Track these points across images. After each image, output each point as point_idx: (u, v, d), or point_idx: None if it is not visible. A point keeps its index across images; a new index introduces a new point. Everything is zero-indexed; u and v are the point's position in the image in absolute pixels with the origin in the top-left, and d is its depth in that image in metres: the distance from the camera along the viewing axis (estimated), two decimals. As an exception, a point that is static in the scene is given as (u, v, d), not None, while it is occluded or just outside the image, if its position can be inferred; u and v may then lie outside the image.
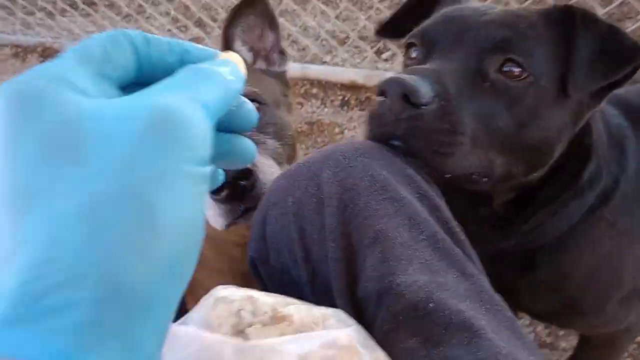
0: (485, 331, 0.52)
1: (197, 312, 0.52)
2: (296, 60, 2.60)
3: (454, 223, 0.65)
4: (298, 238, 0.65)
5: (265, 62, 1.05)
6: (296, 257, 0.66)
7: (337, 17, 2.61)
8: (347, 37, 2.62)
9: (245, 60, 1.00)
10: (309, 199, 0.65)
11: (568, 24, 0.75)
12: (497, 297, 0.58)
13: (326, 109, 2.36)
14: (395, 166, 0.66)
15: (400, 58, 2.41)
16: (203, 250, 0.30)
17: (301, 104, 2.41)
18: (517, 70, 0.72)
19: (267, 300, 0.52)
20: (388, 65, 2.47)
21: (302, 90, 2.48)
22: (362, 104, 2.34)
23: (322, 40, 2.63)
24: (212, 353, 0.44)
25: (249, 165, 0.77)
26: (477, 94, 0.71)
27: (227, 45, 1.03)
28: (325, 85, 2.46)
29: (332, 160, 0.65)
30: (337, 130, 2.24)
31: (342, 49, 2.53)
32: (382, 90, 0.67)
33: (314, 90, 2.46)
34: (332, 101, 2.39)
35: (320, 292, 0.63)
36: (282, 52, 1.06)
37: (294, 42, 2.70)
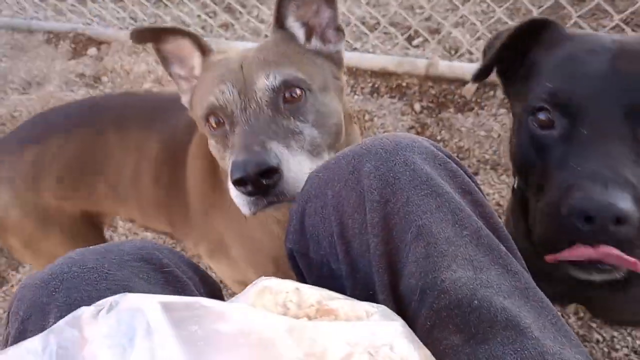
0: (531, 329, 0.52)
1: (242, 299, 0.53)
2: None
3: (497, 219, 0.64)
4: (339, 231, 0.65)
5: (321, 39, 1.01)
6: (336, 250, 0.66)
7: (367, 3, 2.58)
8: (378, 23, 2.59)
9: (297, 38, 0.98)
10: (349, 192, 0.65)
11: None
12: (542, 294, 0.57)
13: (356, 96, 2.34)
14: (437, 160, 0.65)
15: (431, 45, 2.38)
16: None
17: (331, 91, 2.40)
18: None
19: (312, 292, 0.53)
20: (419, 52, 2.44)
21: (332, 77, 2.47)
22: (393, 91, 2.32)
23: (352, 27, 2.61)
24: (267, 327, 0.44)
25: (271, 165, 0.78)
26: None
27: (280, 21, 0.99)
28: (356, 72, 2.44)
29: (373, 154, 0.65)
30: (367, 117, 2.23)
31: (373, 35, 2.50)
32: (589, 216, 0.63)
33: (344, 78, 2.44)
34: (362, 88, 2.38)
35: (360, 287, 0.64)
36: (339, 29, 1.01)
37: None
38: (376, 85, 2.36)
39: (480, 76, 0.90)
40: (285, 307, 0.51)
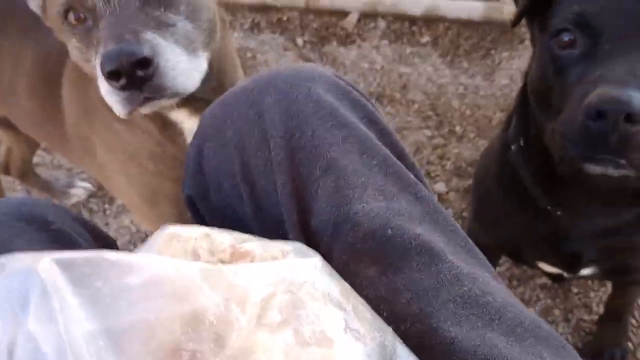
0: (444, 252, 0.53)
1: (146, 249, 0.48)
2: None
3: (402, 146, 0.64)
4: (241, 172, 0.62)
5: None
6: (240, 192, 0.62)
7: None
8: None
9: None
10: (251, 129, 0.61)
11: None
12: (451, 218, 0.58)
13: (236, 33, 2.24)
14: (340, 90, 0.63)
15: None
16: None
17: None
18: None
19: (224, 237, 0.49)
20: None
21: (209, 13, 2.34)
22: (273, 26, 2.25)
23: (225, -42, 2.47)
24: (181, 276, 0.40)
25: (147, 54, 0.72)
26: None
27: None
28: (233, 7, 2.32)
29: (273, 87, 0.61)
30: (249, 55, 2.15)
31: (248, -33, 2.39)
32: (601, 111, 0.64)
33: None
34: (241, 24, 2.28)
35: (268, 228, 0.61)
36: None
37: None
38: (256, 21, 2.28)
39: (518, 21, 0.89)
40: (196, 255, 0.47)
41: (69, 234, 0.62)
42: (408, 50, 2.10)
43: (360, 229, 0.54)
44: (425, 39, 2.12)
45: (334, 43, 2.16)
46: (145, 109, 0.81)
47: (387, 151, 0.60)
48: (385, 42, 2.13)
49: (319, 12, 2.24)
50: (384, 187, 0.57)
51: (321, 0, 2.21)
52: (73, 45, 0.87)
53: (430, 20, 2.14)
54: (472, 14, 2.07)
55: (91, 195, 1.87)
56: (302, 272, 0.47)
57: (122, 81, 0.73)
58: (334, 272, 0.50)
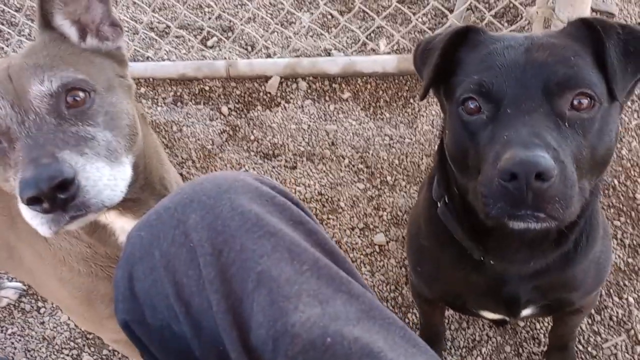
0: (384, 352, 0.54)
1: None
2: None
3: (331, 243, 0.65)
4: (174, 292, 0.61)
5: (97, 37, 0.93)
6: (176, 312, 0.61)
7: (152, 10, 2.46)
8: (168, 27, 2.49)
9: (69, 38, 0.89)
10: (178, 249, 0.61)
11: (592, 36, 0.82)
12: (387, 310, 0.60)
13: (159, 108, 2.24)
14: (264, 196, 0.64)
15: (227, 44, 2.36)
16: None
17: (131, 106, 2.26)
18: (586, 101, 0.77)
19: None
20: (216, 53, 2.40)
21: (130, 91, 2.33)
22: (197, 97, 2.26)
23: (140, 34, 2.47)
24: None
25: (66, 175, 0.71)
26: (565, 138, 0.76)
27: (46, 21, 0.90)
28: (154, 83, 2.32)
29: (197, 203, 0.61)
30: (175, 128, 2.15)
31: (164, 41, 2.40)
32: (513, 173, 0.71)
33: (142, 90, 2.31)
34: (163, 99, 2.27)
35: (208, 346, 0.60)
36: (114, 24, 0.94)
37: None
38: (178, 94, 2.28)
39: (426, 94, 0.96)
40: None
41: None
42: (331, 107, 2.15)
43: (299, 340, 0.54)
44: (346, 94, 2.19)
45: (259, 107, 2.19)
46: (72, 226, 0.79)
47: (317, 252, 0.61)
48: (309, 101, 2.17)
49: (241, 79, 2.27)
50: (317, 291, 0.58)
51: (241, 67, 2.25)
52: None
53: (348, 77, 2.22)
54: (387, 67, 2.16)
55: (22, 294, 1.79)
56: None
57: (45, 205, 0.71)
58: None
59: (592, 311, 1.53)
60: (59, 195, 0.71)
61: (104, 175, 0.77)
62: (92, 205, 0.75)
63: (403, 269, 1.72)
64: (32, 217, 0.75)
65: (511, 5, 2.20)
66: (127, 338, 1.27)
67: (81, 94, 0.81)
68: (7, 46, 2.47)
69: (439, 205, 1.05)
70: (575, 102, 0.78)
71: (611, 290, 1.58)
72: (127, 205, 0.90)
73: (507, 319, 1.14)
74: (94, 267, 1.01)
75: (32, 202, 0.71)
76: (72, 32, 0.92)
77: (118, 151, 0.83)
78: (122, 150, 0.84)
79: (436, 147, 1.05)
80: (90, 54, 0.91)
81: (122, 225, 0.95)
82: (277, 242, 0.60)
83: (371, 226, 1.82)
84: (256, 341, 0.57)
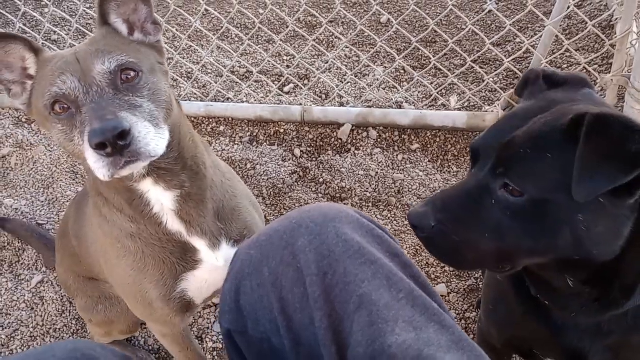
0: None
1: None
2: (198, 98, 2.59)
3: (424, 276, 0.70)
4: (279, 307, 0.67)
5: (142, 32, 1.16)
6: (278, 325, 0.68)
7: (238, 54, 2.63)
8: (249, 72, 2.65)
9: (121, 33, 1.17)
10: (286, 268, 0.68)
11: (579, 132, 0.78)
12: (476, 345, 0.64)
13: (236, 146, 2.36)
14: (364, 228, 0.70)
15: (303, 91, 2.48)
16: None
17: (210, 142, 2.40)
18: (516, 189, 0.83)
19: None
20: (292, 99, 2.53)
21: (209, 129, 2.47)
22: (271, 139, 2.38)
23: (225, 77, 2.64)
24: None
25: (125, 127, 0.91)
26: (487, 209, 0.84)
27: (104, 19, 1.13)
28: (232, 122, 2.46)
29: (305, 229, 0.68)
30: (249, 166, 2.26)
31: (245, 85, 2.55)
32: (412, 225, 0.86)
33: (221, 128, 2.46)
34: (240, 137, 2.41)
35: (305, 359, 0.66)
36: (155, 23, 1.18)
37: (196, 80, 2.68)
38: (255, 134, 2.41)
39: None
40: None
41: None
42: (400, 157, 2.22)
43: None
44: (415, 146, 2.26)
45: (330, 152, 2.28)
46: (125, 171, 0.97)
47: (412, 283, 0.67)
48: (378, 150, 2.25)
49: (314, 125, 2.38)
50: (412, 318, 0.63)
51: (315, 114, 2.36)
52: (58, 130, 1.05)
53: (418, 129, 2.29)
54: (457, 122, 2.22)
55: None
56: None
57: (108, 149, 0.91)
58: None
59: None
60: (118, 142, 0.90)
61: (150, 131, 0.98)
62: (142, 153, 0.94)
63: (463, 321, 1.73)
64: (95, 161, 0.94)
65: (584, 71, 2.24)
66: (175, 333, 1.41)
67: (132, 73, 1.04)
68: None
69: None
70: (508, 187, 0.85)
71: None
72: (160, 174, 1.10)
73: None
74: (140, 243, 1.20)
75: (99, 147, 0.91)
76: (123, 28, 1.16)
77: (158, 119, 1.04)
78: (161, 119, 1.05)
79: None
80: (137, 45, 1.14)
81: (155, 196, 1.13)
82: (377, 270, 0.66)
83: (433, 276, 1.85)
84: (353, 358, 0.62)
